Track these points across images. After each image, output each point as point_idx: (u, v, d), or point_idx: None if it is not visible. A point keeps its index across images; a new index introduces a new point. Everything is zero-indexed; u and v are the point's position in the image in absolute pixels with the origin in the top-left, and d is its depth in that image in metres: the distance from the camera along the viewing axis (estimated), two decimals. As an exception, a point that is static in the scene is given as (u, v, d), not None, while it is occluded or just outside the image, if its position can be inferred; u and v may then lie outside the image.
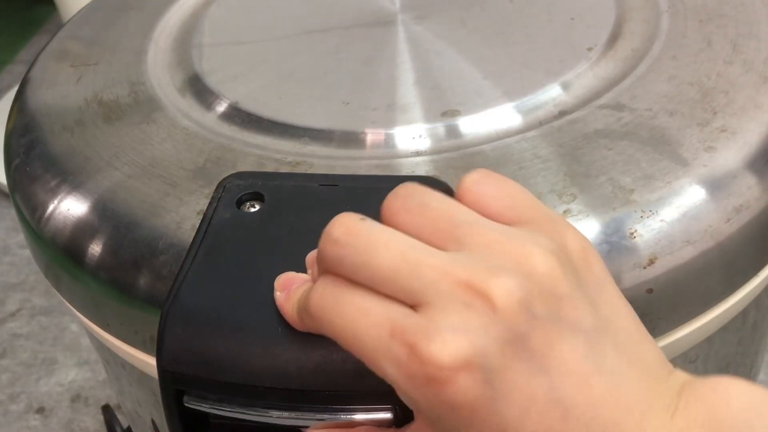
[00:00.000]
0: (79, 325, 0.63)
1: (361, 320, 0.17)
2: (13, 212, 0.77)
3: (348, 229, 0.17)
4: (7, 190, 0.71)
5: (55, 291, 0.31)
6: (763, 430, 0.18)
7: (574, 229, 0.20)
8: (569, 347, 0.18)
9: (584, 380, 0.18)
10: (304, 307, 0.18)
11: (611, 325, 0.19)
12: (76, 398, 0.61)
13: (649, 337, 0.20)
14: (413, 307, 0.17)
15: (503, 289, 0.17)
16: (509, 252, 0.18)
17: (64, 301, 0.30)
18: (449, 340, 0.16)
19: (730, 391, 0.18)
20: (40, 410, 0.60)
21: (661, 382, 0.19)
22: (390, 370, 0.17)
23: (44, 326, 0.66)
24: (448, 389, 0.16)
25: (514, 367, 0.17)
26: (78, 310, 0.29)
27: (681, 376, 0.19)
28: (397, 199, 0.18)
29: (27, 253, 0.74)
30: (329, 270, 0.17)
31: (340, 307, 0.17)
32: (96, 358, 0.62)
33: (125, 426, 0.47)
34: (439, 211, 0.18)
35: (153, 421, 0.34)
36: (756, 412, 0.18)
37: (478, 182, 0.19)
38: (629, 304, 0.20)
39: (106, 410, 0.50)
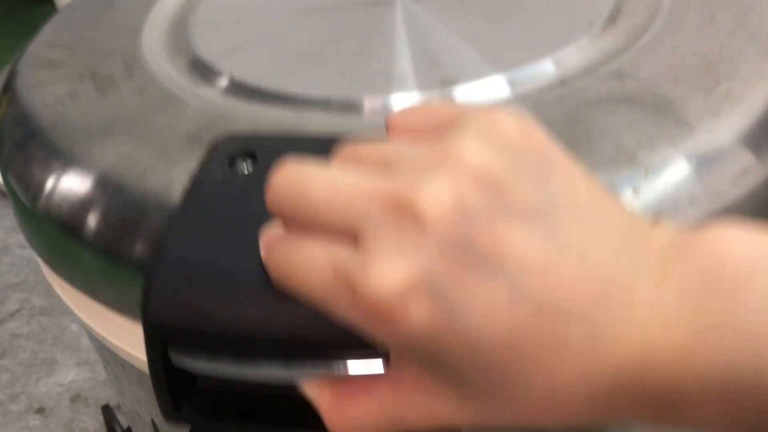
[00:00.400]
0: (78, 325, 0.63)
1: (308, 269, 0.16)
2: (12, 212, 0.77)
3: (285, 174, 0.17)
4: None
5: (55, 291, 0.30)
6: None
7: (508, 111, 0.18)
8: (522, 236, 0.16)
9: (549, 267, 0.16)
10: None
11: (568, 199, 0.17)
12: (76, 398, 0.60)
13: (617, 198, 0.19)
14: (356, 241, 0.16)
15: (430, 197, 0.16)
16: (434, 159, 0.16)
17: (62, 297, 0.30)
18: (386, 270, 0.15)
19: (724, 243, 0.16)
20: (40, 410, 0.60)
21: (642, 245, 0.17)
22: (343, 315, 0.16)
23: (44, 326, 0.66)
24: (401, 321, 0.15)
25: (464, 277, 0.16)
26: (74, 286, 0.28)
27: (664, 232, 0.17)
28: (343, 150, 0.18)
29: (27, 253, 0.73)
30: (278, 217, 0.17)
31: (290, 260, 0.17)
32: (96, 358, 0.62)
33: (125, 426, 0.47)
34: (371, 149, 0.17)
35: (153, 421, 0.33)
36: (757, 262, 0.16)
37: (400, 115, 0.18)
38: (588, 173, 0.18)
39: (106, 410, 0.50)
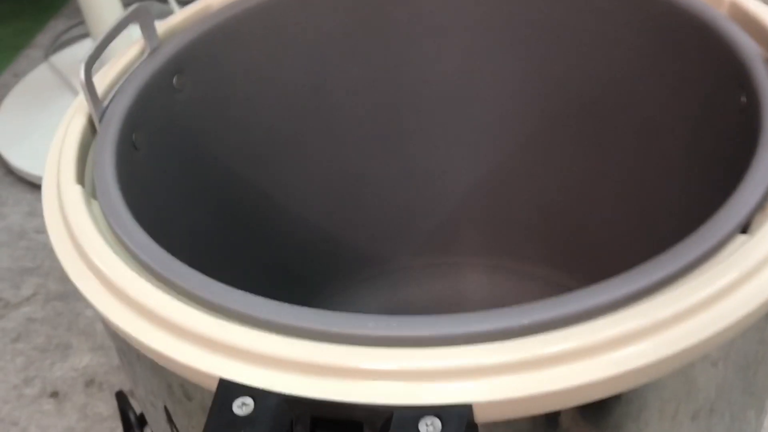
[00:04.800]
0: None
1: None
2: (29, 197, 0.78)
3: None
4: (25, 176, 0.71)
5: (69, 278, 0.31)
6: None
7: None
8: None
9: None
10: None
11: None
12: (90, 383, 0.61)
13: None
14: None
15: None
16: None
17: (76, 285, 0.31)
18: None
19: None
20: (54, 394, 0.60)
21: None
22: None
23: (59, 311, 0.66)
24: None
25: None
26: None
27: None
28: None
29: (43, 238, 0.74)
30: None
31: None
32: (110, 344, 0.63)
33: (138, 412, 0.47)
34: None
35: (166, 409, 0.34)
36: None
37: None
38: None
39: (120, 396, 0.51)
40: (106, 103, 0.38)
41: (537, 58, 0.48)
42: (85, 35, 0.93)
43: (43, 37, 1.05)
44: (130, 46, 0.41)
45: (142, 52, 0.41)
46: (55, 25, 1.06)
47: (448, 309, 0.56)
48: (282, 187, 0.52)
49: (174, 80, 0.42)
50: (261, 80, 0.47)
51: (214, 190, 0.46)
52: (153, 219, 0.38)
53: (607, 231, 0.53)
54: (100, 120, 0.38)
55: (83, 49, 0.93)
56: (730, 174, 0.40)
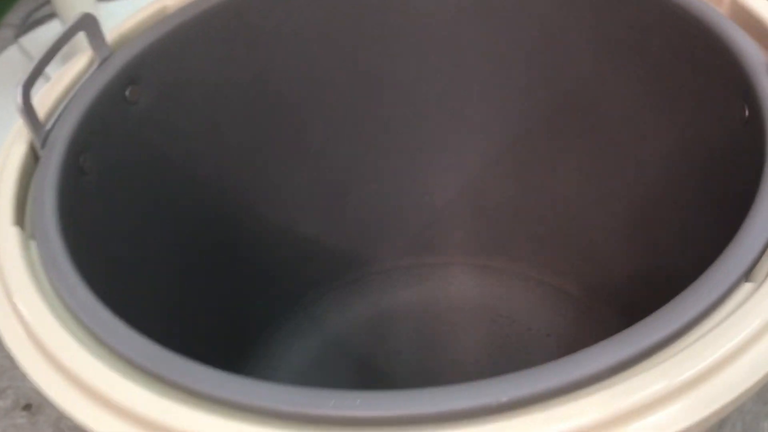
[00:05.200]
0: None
1: None
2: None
3: None
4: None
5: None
6: None
7: None
8: None
9: None
10: None
11: None
12: (64, 393, 0.58)
13: None
14: None
15: None
16: None
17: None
18: None
19: None
20: (27, 407, 0.58)
21: None
22: None
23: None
24: None
25: None
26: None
27: None
28: None
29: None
30: None
31: None
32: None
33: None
34: None
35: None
36: None
37: None
38: None
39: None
40: (49, 125, 0.35)
41: (529, 58, 0.45)
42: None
43: (14, 16, 1.00)
44: (75, 58, 0.38)
45: (90, 64, 0.38)
46: (27, 4, 1.01)
47: (437, 314, 0.54)
48: (256, 196, 0.48)
49: (127, 92, 0.39)
50: (227, 87, 0.43)
51: (177, 211, 0.43)
52: (103, 254, 0.35)
53: (599, 232, 0.50)
54: (43, 145, 0.34)
55: (55, 29, 0.89)
56: (730, 184, 0.37)
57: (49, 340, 0.26)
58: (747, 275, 0.26)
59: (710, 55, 0.34)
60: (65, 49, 0.36)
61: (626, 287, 0.50)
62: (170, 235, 0.43)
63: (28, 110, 0.33)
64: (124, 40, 0.39)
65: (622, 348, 0.24)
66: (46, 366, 0.26)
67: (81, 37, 0.37)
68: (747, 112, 0.32)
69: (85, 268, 0.30)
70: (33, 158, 0.34)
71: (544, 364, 0.24)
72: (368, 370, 0.52)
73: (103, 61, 0.38)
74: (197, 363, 0.26)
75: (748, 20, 0.34)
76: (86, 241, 0.34)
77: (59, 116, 0.36)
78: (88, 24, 0.37)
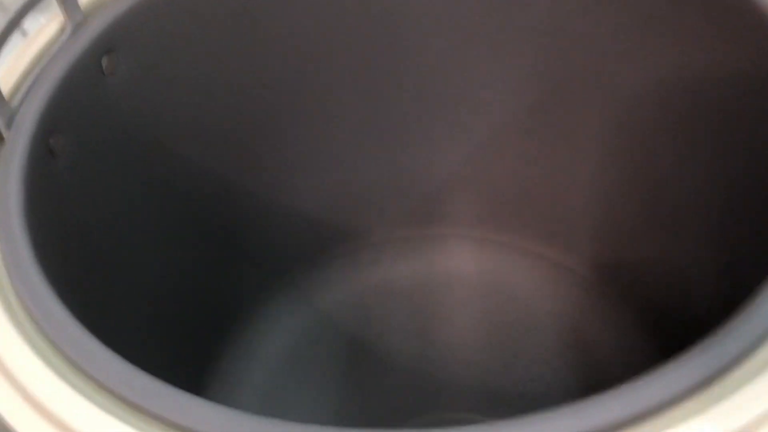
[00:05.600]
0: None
1: None
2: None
3: None
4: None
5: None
6: None
7: None
8: None
9: None
10: None
11: None
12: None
13: None
14: None
15: None
16: None
17: None
18: None
19: None
20: None
21: None
22: None
23: None
24: None
25: None
26: None
27: None
28: None
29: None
30: None
31: None
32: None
33: None
34: None
35: None
36: None
37: None
38: None
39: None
40: (15, 102, 0.32)
41: (534, 33, 0.41)
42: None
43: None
44: (45, 25, 0.34)
45: (61, 31, 0.34)
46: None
47: (433, 290, 0.51)
48: (244, 170, 0.45)
49: (104, 62, 0.35)
50: (215, 55, 0.40)
51: (161, 193, 0.40)
52: (77, 249, 0.32)
53: (610, 210, 0.47)
54: (9, 126, 0.31)
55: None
56: (751, 173, 0.34)
57: (11, 361, 0.23)
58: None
59: (747, 31, 0.31)
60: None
61: (634, 267, 0.48)
62: (154, 219, 0.40)
63: (-10, 87, 0.30)
64: (100, 4, 0.36)
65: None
66: (8, 390, 0.23)
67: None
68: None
69: (55, 270, 0.27)
70: (-2, 141, 0.31)
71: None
72: (359, 349, 0.49)
73: (76, 28, 0.34)
74: (180, 392, 0.23)
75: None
76: (57, 236, 0.31)
77: (27, 92, 0.32)
78: (58, -14, 0.33)
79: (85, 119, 0.34)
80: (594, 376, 0.47)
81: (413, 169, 0.50)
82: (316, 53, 0.43)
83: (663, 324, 0.47)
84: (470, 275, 0.51)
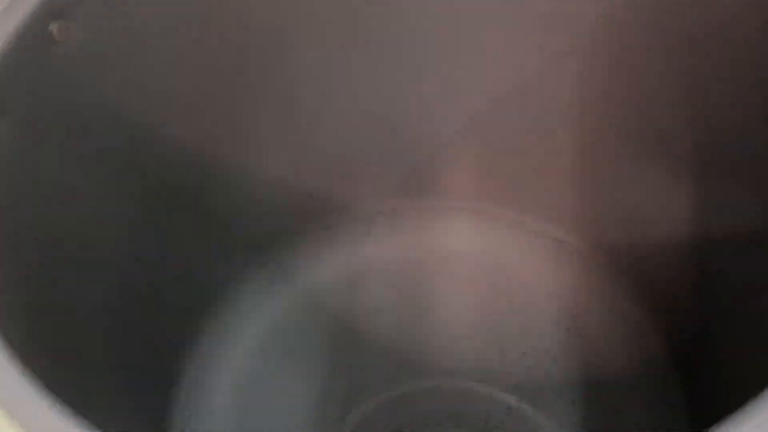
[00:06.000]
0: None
1: None
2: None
3: None
4: None
5: None
6: None
7: None
8: None
9: None
10: None
11: None
12: None
13: None
14: None
15: None
16: None
17: None
18: None
19: None
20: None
21: None
22: None
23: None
24: None
25: None
26: None
27: None
28: None
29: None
30: None
31: None
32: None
33: None
34: None
35: None
36: None
37: None
38: None
39: None
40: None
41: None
42: None
43: None
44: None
45: (1, -6, 0.30)
46: None
47: (424, 267, 0.47)
48: (221, 139, 0.41)
49: (53, 29, 0.31)
50: (187, 20, 0.35)
51: (122, 172, 0.36)
52: (29, 237, 0.29)
53: (612, 188, 0.44)
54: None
55: None
56: None
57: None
58: None
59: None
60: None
61: (641, 249, 0.44)
62: (116, 199, 0.36)
63: None
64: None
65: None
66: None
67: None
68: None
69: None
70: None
71: None
72: (344, 332, 0.46)
73: (20, -10, 0.30)
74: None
75: None
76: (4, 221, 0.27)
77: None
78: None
79: (24, 96, 0.30)
80: (595, 364, 0.44)
81: (406, 136, 0.46)
82: (296, 8, 0.38)
83: (670, 311, 0.44)
84: (466, 252, 0.48)
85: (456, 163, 0.47)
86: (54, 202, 0.33)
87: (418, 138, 0.46)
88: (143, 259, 0.40)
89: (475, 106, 0.44)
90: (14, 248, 0.29)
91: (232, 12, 0.37)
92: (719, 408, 0.42)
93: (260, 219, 0.46)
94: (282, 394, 0.44)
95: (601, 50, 0.38)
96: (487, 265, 0.47)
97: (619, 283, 0.45)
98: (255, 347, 0.45)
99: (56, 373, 0.30)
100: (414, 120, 0.45)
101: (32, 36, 0.30)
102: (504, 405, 0.42)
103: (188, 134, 0.39)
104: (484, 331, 0.45)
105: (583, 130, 0.42)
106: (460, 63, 0.42)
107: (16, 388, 0.21)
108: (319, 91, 0.42)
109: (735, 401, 0.40)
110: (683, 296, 0.43)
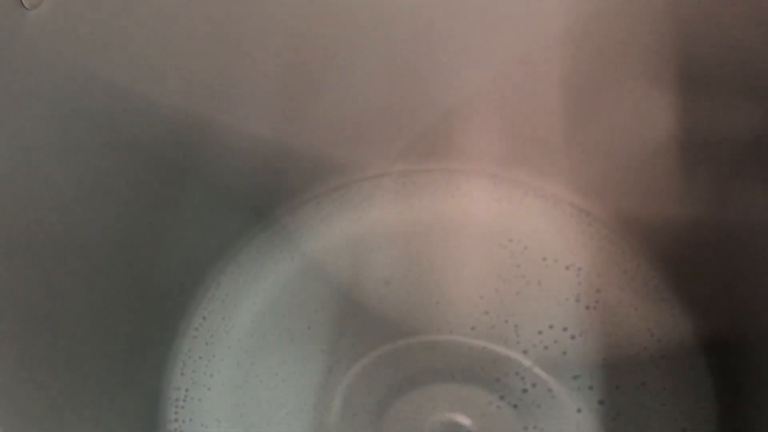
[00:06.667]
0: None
1: None
2: None
3: None
4: None
5: None
6: None
7: None
8: None
9: None
10: None
11: None
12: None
13: None
14: None
15: None
16: None
17: None
18: None
19: None
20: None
21: None
22: None
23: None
24: None
25: None
26: None
27: None
28: None
29: None
30: None
31: None
32: None
33: None
34: None
35: None
36: None
37: None
38: None
39: None
40: None
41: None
42: None
43: None
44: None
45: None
46: None
47: (434, 234, 0.45)
48: (214, 99, 0.38)
49: (22, -6, 0.27)
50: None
51: (115, 137, 0.33)
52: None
53: (638, 157, 0.40)
54: None
55: None
56: None
57: None
58: None
59: None
60: None
61: (663, 222, 0.41)
62: (97, 170, 0.33)
63: None
64: None
65: None
66: None
67: None
68: None
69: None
70: None
71: None
72: (349, 300, 0.43)
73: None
74: None
75: None
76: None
77: None
78: None
79: (7, 67, 0.26)
80: (614, 340, 0.42)
81: (417, 95, 0.43)
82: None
83: (694, 287, 0.41)
84: (479, 218, 0.45)
85: (469, 122, 0.44)
86: (34, 178, 0.30)
87: (430, 97, 0.42)
88: (135, 234, 0.37)
89: (493, 65, 0.40)
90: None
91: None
92: (745, 386, 0.39)
93: (262, 183, 0.43)
94: (282, 364, 0.42)
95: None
96: (501, 232, 0.44)
97: (642, 256, 0.42)
98: (255, 317, 0.43)
99: (47, 354, 0.28)
100: (425, 79, 0.41)
101: (2, 5, 0.26)
102: (518, 386, 0.40)
103: (180, 99, 0.36)
104: (497, 306, 0.42)
105: (617, 96, 0.38)
106: (478, 20, 0.38)
107: None
108: (325, 50, 0.39)
109: (762, 378, 0.37)
110: (709, 272, 0.40)
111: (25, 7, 0.27)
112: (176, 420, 0.40)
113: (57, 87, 0.29)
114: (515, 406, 0.40)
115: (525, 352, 0.41)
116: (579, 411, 0.40)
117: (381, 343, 0.42)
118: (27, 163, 0.30)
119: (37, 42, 0.28)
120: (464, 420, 0.40)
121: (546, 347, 0.41)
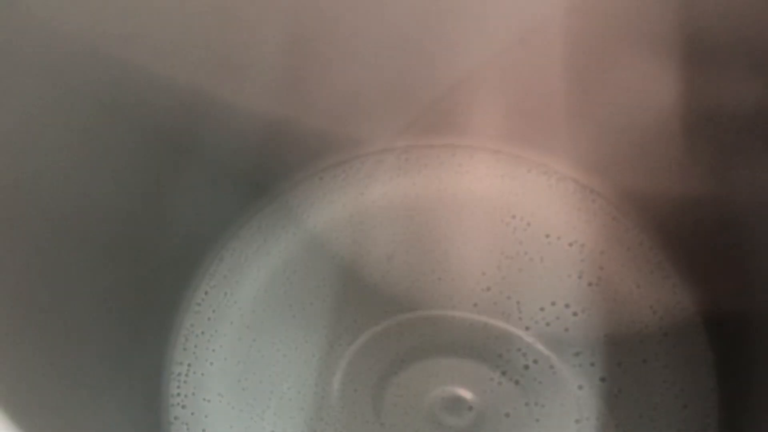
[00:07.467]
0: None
1: None
2: None
3: None
4: None
5: None
6: None
7: None
8: None
9: None
10: None
11: None
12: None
13: None
14: None
15: None
16: None
17: None
18: None
19: None
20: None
21: None
22: None
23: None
24: None
25: None
26: None
27: None
28: None
29: None
30: None
31: None
32: None
33: None
34: None
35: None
36: None
37: None
38: None
39: None
40: None
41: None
42: None
43: None
44: None
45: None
46: None
47: (437, 210, 0.44)
48: (211, 72, 0.37)
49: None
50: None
51: (116, 115, 0.32)
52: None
53: (644, 133, 0.40)
54: None
55: None
56: None
57: None
58: None
59: None
60: None
61: (666, 199, 0.41)
62: (112, 143, 0.33)
63: None
64: None
65: None
66: None
67: None
68: None
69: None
70: None
71: None
72: (351, 276, 0.43)
73: None
74: None
75: None
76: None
77: None
78: None
79: (6, 42, 0.26)
80: (616, 317, 0.42)
81: (420, 70, 0.42)
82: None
83: (697, 264, 0.41)
84: (482, 194, 0.45)
85: (473, 97, 0.43)
86: (34, 152, 0.30)
87: (433, 72, 0.42)
88: (137, 209, 0.37)
89: (498, 40, 0.40)
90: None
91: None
92: (746, 364, 0.39)
93: (263, 158, 0.43)
94: (284, 343, 0.42)
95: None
96: (505, 209, 0.44)
97: (645, 233, 0.42)
98: (257, 294, 0.43)
99: (48, 330, 0.28)
100: (429, 54, 0.41)
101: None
102: (520, 362, 0.40)
103: (181, 73, 0.36)
104: (499, 282, 0.42)
105: (628, 71, 0.38)
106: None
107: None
108: (327, 24, 0.38)
109: (764, 356, 0.37)
110: (712, 250, 0.40)
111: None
112: (179, 394, 0.40)
113: (55, 60, 0.29)
114: (517, 382, 0.40)
115: (527, 328, 0.41)
116: (580, 387, 0.40)
117: (383, 318, 0.42)
118: (26, 136, 0.30)
119: (36, 13, 0.28)
120: (466, 394, 0.40)
121: (548, 324, 0.41)
